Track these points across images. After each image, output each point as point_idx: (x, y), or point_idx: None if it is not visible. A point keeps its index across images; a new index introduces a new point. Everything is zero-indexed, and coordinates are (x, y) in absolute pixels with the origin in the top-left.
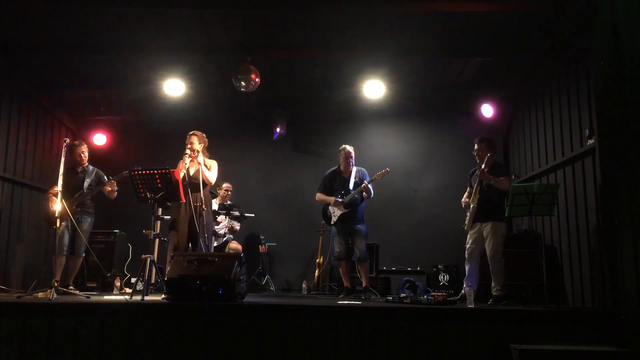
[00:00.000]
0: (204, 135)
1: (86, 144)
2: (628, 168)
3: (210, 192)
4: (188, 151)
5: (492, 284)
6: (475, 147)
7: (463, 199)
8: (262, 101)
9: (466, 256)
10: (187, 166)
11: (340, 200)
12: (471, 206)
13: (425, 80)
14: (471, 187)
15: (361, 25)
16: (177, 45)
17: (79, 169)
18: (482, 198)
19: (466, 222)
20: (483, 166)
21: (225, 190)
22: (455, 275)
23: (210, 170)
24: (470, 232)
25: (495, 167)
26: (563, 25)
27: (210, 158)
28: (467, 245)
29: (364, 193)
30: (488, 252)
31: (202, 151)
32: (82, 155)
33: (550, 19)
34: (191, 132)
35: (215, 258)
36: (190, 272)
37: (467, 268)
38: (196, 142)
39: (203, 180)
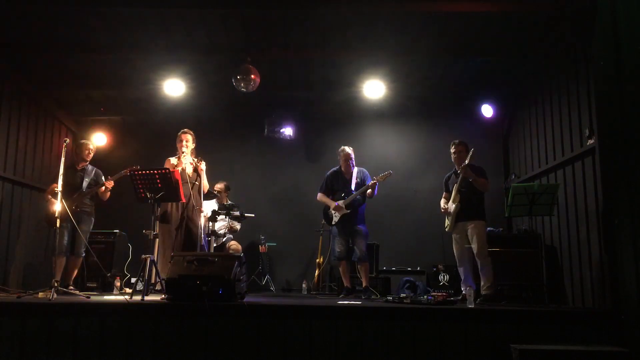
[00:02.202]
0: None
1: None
2: (628, 168)
3: (211, 192)
4: (185, 149)
5: (482, 283)
6: (453, 149)
7: (442, 205)
8: (262, 101)
9: (457, 259)
10: (184, 165)
11: (340, 204)
12: (453, 206)
13: (425, 80)
14: (448, 192)
15: (361, 25)
16: (177, 45)
17: (79, 167)
18: (464, 198)
19: (447, 223)
20: (467, 161)
21: (218, 191)
22: (455, 275)
23: (204, 175)
24: (454, 236)
25: (473, 169)
26: (563, 25)
27: (196, 157)
28: (455, 249)
29: (369, 191)
30: (475, 250)
31: (192, 150)
32: (89, 153)
33: (550, 19)
34: (184, 131)
35: (215, 258)
36: (190, 272)
37: (461, 271)
38: (191, 141)
39: (198, 184)
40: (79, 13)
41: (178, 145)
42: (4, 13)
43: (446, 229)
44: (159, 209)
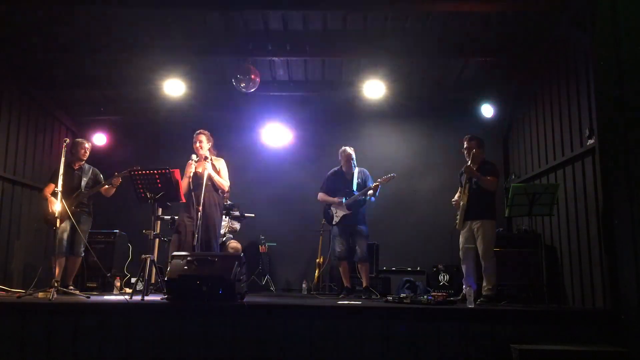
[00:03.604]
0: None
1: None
2: (628, 168)
3: None
4: (201, 150)
5: (484, 283)
6: (465, 145)
7: (454, 199)
8: (262, 101)
9: (461, 256)
10: (195, 168)
11: (344, 202)
12: (461, 204)
13: (425, 80)
14: (462, 187)
15: (361, 26)
16: (177, 45)
17: (76, 167)
18: (472, 196)
19: (457, 221)
20: (469, 162)
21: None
22: (455, 275)
23: (220, 175)
24: (462, 232)
25: (485, 165)
26: (563, 25)
27: (217, 156)
28: (461, 246)
29: (370, 191)
30: (480, 251)
31: (210, 149)
32: (85, 152)
33: (550, 18)
34: (199, 131)
35: (215, 258)
36: (190, 272)
37: (463, 268)
38: (205, 141)
39: (214, 184)
40: (78, 13)
41: (194, 147)
42: (4, 13)
43: (456, 227)
44: (174, 218)
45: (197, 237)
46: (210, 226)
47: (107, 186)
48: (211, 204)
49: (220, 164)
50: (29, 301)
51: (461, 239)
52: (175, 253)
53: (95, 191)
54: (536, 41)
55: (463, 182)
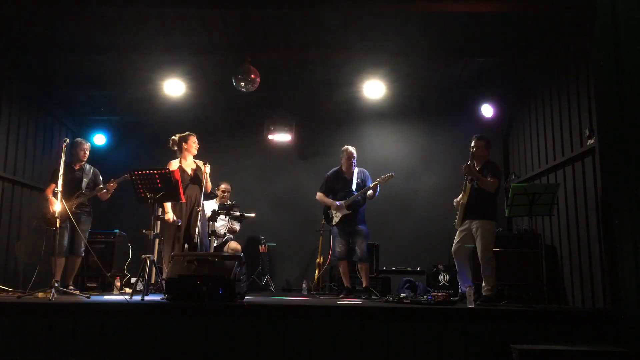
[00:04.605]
0: None
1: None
2: (628, 168)
3: (210, 192)
4: (195, 151)
5: (483, 284)
6: (473, 143)
7: (456, 199)
8: (262, 101)
9: (452, 253)
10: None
11: (339, 204)
12: (461, 202)
13: (425, 80)
14: (463, 186)
15: (361, 25)
16: (177, 45)
17: (77, 167)
18: (472, 195)
19: (456, 220)
20: (469, 162)
21: (223, 191)
22: (455, 275)
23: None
24: (460, 230)
25: (488, 165)
26: (563, 25)
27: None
28: (454, 242)
29: (370, 192)
30: (479, 251)
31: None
32: (85, 152)
33: (550, 19)
34: (193, 134)
35: (215, 258)
36: (190, 272)
37: (456, 264)
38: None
39: (201, 185)
40: (78, 13)
41: (186, 146)
42: (4, 13)
43: (455, 226)
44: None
45: (197, 235)
46: (203, 226)
47: (104, 190)
48: (199, 203)
49: (204, 166)
50: (29, 301)
51: (456, 237)
52: (175, 253)
53: (94, 194)
54: (536, 41)
55: (464, 181)
